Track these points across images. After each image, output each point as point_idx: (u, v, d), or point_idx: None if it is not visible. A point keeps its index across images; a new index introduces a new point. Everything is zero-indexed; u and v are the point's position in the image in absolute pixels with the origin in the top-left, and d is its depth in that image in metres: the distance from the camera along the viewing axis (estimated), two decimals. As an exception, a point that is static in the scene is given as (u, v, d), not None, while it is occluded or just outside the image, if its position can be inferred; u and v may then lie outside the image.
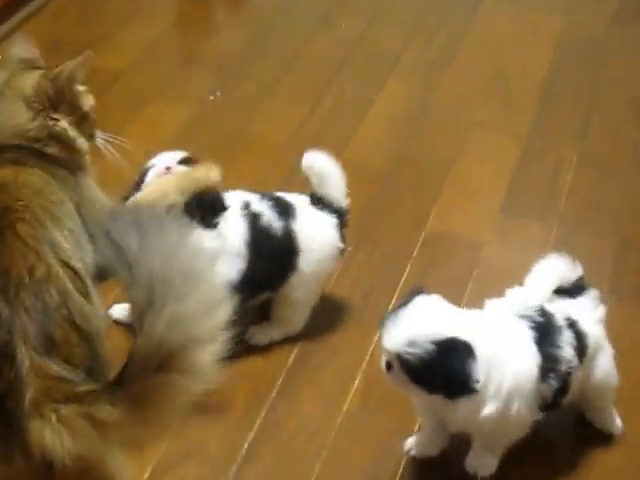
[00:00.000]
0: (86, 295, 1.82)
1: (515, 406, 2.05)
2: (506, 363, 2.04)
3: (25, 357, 1.66)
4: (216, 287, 1.67)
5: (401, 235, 2.86)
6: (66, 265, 1.80)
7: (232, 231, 2.36)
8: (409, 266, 2.74)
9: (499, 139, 3.25)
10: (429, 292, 2.10)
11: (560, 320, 2.13)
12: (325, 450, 2.24)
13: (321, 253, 2.45)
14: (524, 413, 2.07)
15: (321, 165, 2.45)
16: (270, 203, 2.42)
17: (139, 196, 2.22)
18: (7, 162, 1.95)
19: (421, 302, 2.07)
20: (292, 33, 3.79)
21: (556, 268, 2.20)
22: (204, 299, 1.63)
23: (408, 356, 1.98)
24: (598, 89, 3.48)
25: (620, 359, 2.26)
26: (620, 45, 3.72)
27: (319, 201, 2.46)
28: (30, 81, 2.05)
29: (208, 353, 1.63)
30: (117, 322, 2.46)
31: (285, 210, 2.42)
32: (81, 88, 2.12)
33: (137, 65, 3.56)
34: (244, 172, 3.00)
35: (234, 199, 2.41)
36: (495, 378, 2.02)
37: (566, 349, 2.09)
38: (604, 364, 2.21)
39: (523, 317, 2.11)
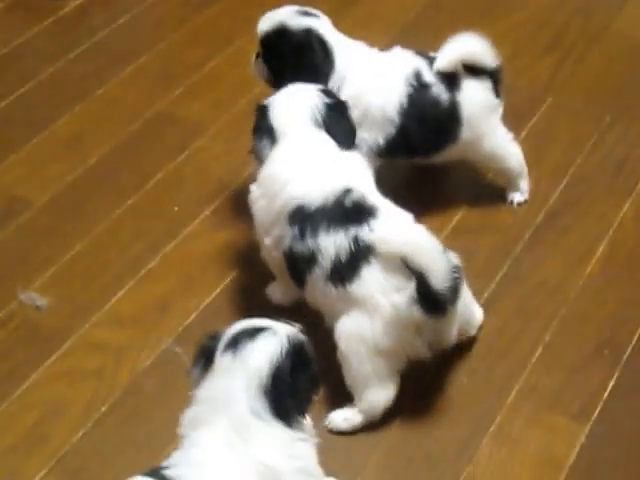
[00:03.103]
0: None
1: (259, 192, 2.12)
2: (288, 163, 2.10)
3: None
4: None
5: (662, 109, 2.83)
6: None
7: (386, 98, 2.36)
8: (667, 140, 2.72)
9: None
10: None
11: (350, 228, 2.01)
12: (564, 308, 2.30)
13: (481, 118, 2.44)
14: (262, 210, 2.12)
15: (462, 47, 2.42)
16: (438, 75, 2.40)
17: None
18: None
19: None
20: None
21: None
22: None
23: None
24: None
25: None
26: None
27: (471, 69, 2.42)
28: None
29: None
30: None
31: (451, 80, 2.41)
32: None
33: None
34: (507, 31, 3.02)
35: (402, 62, 2.41)
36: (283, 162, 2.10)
37: (328, 241, 2.01)
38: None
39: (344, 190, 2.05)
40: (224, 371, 1.72)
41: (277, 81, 2.33)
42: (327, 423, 2.10)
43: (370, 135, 2.37)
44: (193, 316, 2.28)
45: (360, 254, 1.99)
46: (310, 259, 2.03)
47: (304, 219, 2.04)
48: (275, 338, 1.73)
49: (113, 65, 2.97)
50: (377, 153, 2.39)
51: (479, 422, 2.09)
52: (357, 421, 2.09)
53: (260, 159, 2.15)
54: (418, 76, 2.39)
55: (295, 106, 2.14)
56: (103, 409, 2.11)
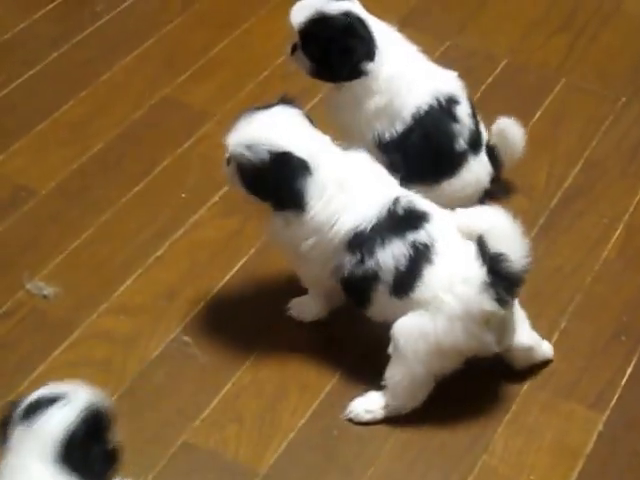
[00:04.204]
0: None
1: (308, 238, 2.00)
2: (332, 201, 1.98)
3: None
4: None
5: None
6: None
7: (410, 94, 2.29)
8: (682, 123, 2.69)
9: None
10: (296, 106, 2.06)
11: (407, 235, 1.96)
12: (580, 294, 2.27)
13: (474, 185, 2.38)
14: (312, 253, 2.01)
15: (510, 134, 2.38)
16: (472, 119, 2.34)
17: None
18: None
19: (278, 112, 2.03)
20: None
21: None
22: None
23: (242, 159, 1.98)
24: None
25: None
26: None
27: (490, 151, 2.40)
28: None
29: None
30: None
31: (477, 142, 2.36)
32: None
33: None
34: (519, 11, 2.97)
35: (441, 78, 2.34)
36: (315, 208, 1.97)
37: (387, 255, 1.95)
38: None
39: (394, 199, 2.00)
40: (16, 445, 1.61)
41: (321, 70, 2.27)
42: (348, 412, 2.05)
43: (381, 126, 2.30)
44: (202, 304, 2.25)
45: (420, 257, 1.95)
46: (372, 278, 1.98)
47: (363, 242, 1.98)
48: (71, 408, 1.63)
49: (117, 50, 2.93)
50: (379, 149, 2.31)
51: (494, 410, 2.06)
52: (379, 416, 2.05)
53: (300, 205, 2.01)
54: (450, 101, 2.31)
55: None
56: (112, 400, 2.08)
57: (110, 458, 1.69)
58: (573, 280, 2.30)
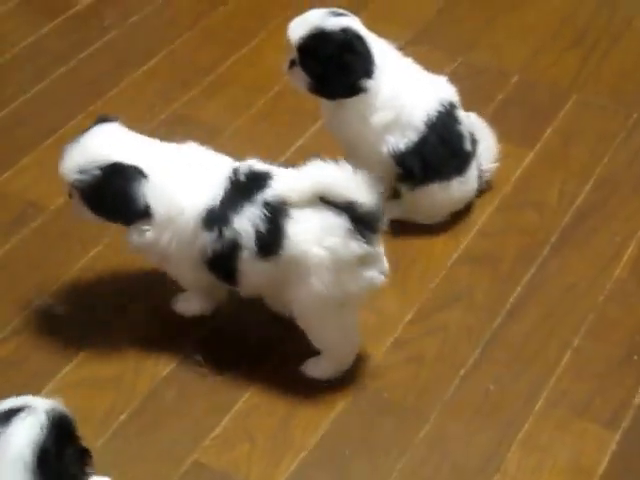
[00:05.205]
0: None
1: (167, 236, 2.03)
2: (175, 193, 2.02)
3: None
4: None
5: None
6: None
7: (418, 103, 2.32)
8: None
9: None
10: (113, 120, 2.11)
11: (256, 196, 1.98)
12: (592, 313, 2.25)
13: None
14: (176, 248, 2.05)
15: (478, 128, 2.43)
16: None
17: None
18: None
19: (97, 130, 2.08)
20: None
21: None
22: None
23: (79, 184, 2.02)
24: None
25: None
26: None
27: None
28: None
29: None
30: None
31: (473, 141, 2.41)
32: None
33: None
34: (530, 27, 2.96)
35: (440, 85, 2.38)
36: (162, 206, 2.01)
37: (243, 221, 1.97)
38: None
39: (233, 170, 2.04)
40: None
41: (319, 86, 2.29)
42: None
43: (394, 138, 2.32)
44: (213, 322, 2.24)
45: (278, 214, 1.97)
46: (234, 247, 2.00)
47: (216, 217, 2.01)
48: (33, 418, 1.62)
49: (126, 65, 2.92)
50: (395, 160, 2.34)
51: (507, 430, 2.05)
52: (331, 374, 2.12)
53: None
54: (452, 106, 2.36)
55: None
56: (122, 418, 2.07)
57: (82, 455, 1.69)
58: (586, 299, 2.28)
